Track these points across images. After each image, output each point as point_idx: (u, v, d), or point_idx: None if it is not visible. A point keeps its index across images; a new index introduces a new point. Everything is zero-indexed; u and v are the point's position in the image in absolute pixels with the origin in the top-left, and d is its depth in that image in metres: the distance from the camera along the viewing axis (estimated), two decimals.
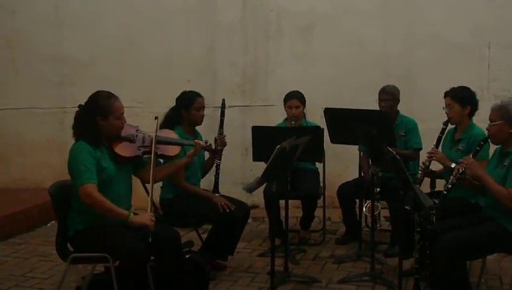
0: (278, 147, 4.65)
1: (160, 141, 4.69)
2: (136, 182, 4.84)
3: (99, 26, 8.12)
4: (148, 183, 4.77)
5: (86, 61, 8.14)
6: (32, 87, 8.31)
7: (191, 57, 7.99)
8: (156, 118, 4.82)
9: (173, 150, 4.82)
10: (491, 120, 4.65)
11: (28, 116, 8.36)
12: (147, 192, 4.93)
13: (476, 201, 5.06)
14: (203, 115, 5.73)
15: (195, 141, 5.06)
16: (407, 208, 4.69)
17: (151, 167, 4.55)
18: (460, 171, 4.67)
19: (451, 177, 4.78)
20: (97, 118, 4.40)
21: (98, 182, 4.30)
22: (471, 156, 4.67)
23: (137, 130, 4.66)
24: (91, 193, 4.25)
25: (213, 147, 5.59)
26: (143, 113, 7.14)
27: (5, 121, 8.42)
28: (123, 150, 4.53)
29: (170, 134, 4.97)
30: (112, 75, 7.75)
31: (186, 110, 5.64)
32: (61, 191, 4.53)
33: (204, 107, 5.74)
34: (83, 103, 4.49)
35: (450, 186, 4.78)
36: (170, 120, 5.60)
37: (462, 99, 5.34)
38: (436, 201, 4.79)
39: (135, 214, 4.44)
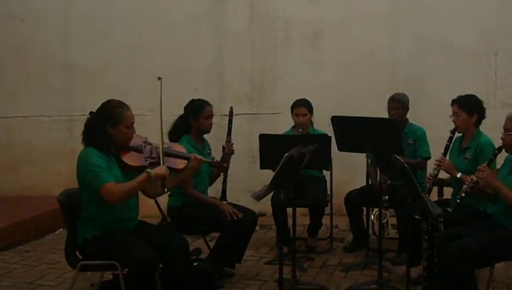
0: (285, 155, 4.65)
1: (167, 154, 4.70)
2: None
3: (108, 34, 8.15)
4: (149, 197, 4.88)
5: (94, 70, 8.16)
6: (41, 95, 8.32)
7: (199, 65, 8.01)
8: (159, 78, 4.73)
9: (180, 164, 4.82)
10: (506, 129, 4.64)
11: (36, 124, 8.36)
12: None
13: (484, 208, 5.06)
14: (212, 123, 5.73)
15: (194, 155, 4.92)
16: (416, 217, 4.68)
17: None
18: (474, 180, 4.66)
19: (465, 186, 4.75)
20: (107, 125, 4.42)
21: None
22: (486, 165, 4.63)
23: (145, 142, 4.67)
24: (114, 191, 4.28)
25: (221, 154, 5.69)
26: (152, 121, 7.13)
27: (13, 129, 8.43)
28: (130, 159, 4.55)
29: (178, 147, 5.00)
30: (120, 84, 7.81)
31: (194, 119, 5.64)
32: (70, 198, 4.56)
33: (212, 115, 5.74)
34: (94, 111, 4.51)
35: (463, 194, 4.76)
36: (179, 128, 5.63)
37: (469, 107, 5.32)
38: (450, 209, 4.78)
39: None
